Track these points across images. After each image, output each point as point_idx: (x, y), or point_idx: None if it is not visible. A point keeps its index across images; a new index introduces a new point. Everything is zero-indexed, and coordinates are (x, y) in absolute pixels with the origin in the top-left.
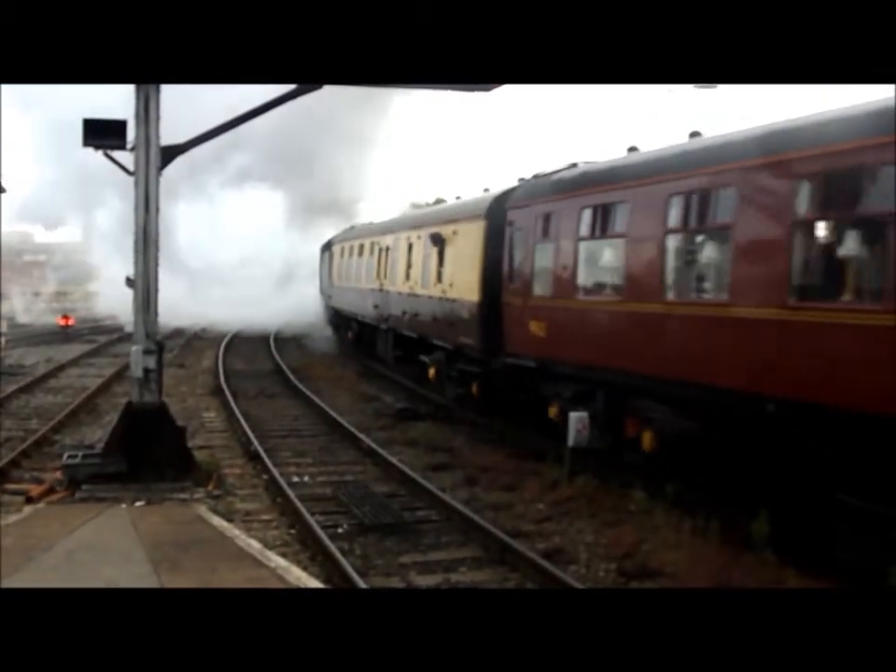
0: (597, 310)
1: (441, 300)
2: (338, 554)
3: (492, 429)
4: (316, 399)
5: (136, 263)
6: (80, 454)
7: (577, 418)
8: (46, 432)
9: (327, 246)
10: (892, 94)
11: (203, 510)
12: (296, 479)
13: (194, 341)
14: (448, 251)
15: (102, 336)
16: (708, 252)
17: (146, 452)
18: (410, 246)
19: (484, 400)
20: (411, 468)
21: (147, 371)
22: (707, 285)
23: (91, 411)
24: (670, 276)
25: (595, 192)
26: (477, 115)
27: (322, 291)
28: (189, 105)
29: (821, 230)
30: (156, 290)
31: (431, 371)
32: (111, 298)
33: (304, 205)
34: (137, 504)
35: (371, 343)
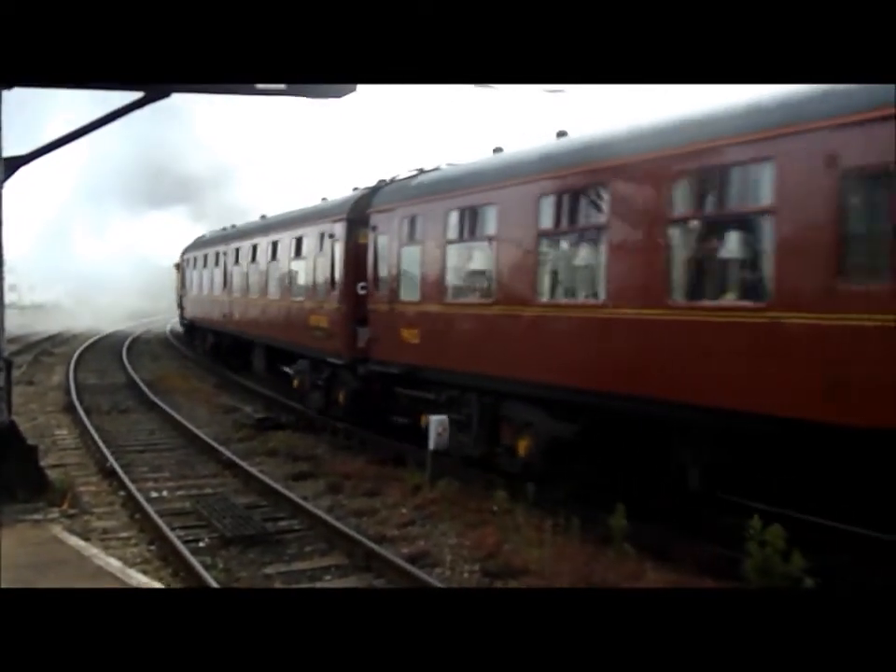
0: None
1: None
2: (200, 569)
3: (352, 437)
4: (173, 413)
5: None
6: None
7: (437, 421)
8: None
9: None
10: None
11: (58, 530)
12: (154, 494)
13: (42, 356)
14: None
15: None
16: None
17: None
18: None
19: None
20: (272, 478)
21: None
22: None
23: None
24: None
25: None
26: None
27: None
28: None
29: None
30: (2, 306)
31: None
32: None
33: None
34: None
35: None
